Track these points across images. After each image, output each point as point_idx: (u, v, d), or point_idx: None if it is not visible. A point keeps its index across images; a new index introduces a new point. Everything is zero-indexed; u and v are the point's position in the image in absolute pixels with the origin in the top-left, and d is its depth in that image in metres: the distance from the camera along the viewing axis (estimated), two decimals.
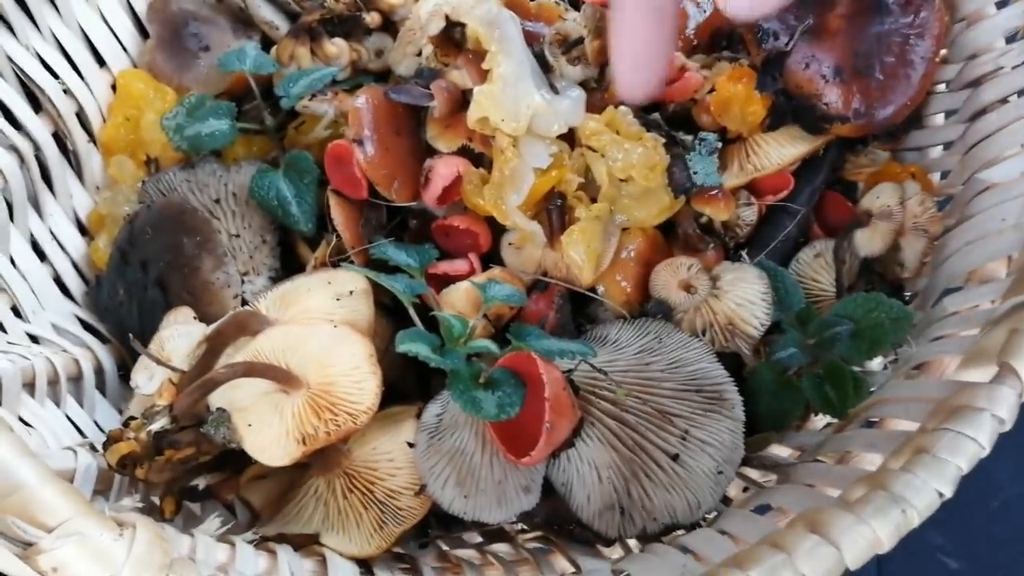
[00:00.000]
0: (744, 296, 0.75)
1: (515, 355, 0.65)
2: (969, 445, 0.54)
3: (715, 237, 0.81)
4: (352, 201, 0.78)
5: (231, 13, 0.93)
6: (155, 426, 0.58)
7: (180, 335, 0.66)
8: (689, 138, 0.81)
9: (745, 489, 0.76)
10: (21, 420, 0.68)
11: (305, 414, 0.62)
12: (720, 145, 0.80)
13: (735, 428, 0.71)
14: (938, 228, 0.80)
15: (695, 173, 0.79)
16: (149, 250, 0.75)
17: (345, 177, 0.76)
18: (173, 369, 0.62)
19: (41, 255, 0.81)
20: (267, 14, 0.90)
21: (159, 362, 0.61)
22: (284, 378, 0.62)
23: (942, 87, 0.88)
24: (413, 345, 0.62)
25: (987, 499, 1.09)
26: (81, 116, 0.86)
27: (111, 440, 0.57)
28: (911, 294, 0.84)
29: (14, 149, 0.78)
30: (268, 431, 0.61)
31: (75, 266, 0.83)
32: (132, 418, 0.61)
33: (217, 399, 0.61)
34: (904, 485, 0.53)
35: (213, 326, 0.66)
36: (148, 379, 0.63)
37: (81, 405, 0.75)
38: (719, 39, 0.89)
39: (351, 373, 0.64)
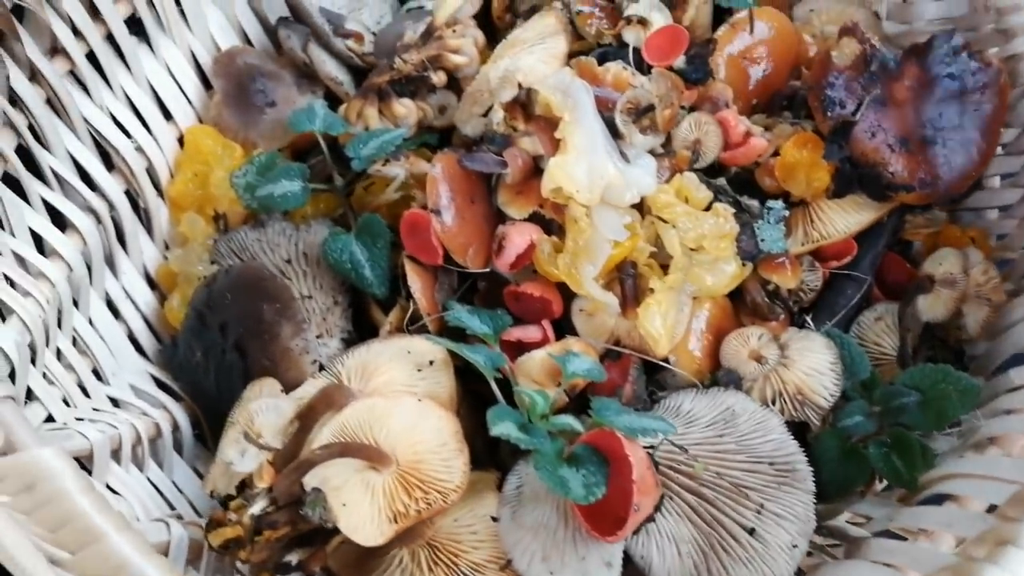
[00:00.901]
0: (813, 366, 0.77)
1: (599, 433, 0.66)
2: None
3: (781, 302, 0.82)
4: (426, 266, 0.79)
5: (295, 67, 0.94)
6: (256, 509, 0.59)
7: (269, 409, 0.67)
8: (755, 203, 0.82)
9: (809, 553, 0.77)
10: (109, 487, 0.69)
11: (396, 492, 0.63)
12: (788, 213, 0.81)
13: (807, 500, 0.72)
14: (1000, 297, 0.81)
15: (762, 240, 0.80)
16: (228, 314, 0.76)
17: (421, 244, 0.77)
18: (268, 449, 0.63)
19: (115, 313, 0.82)
20: (332, 70, 0.91)
21: (259, 445, 0.62)
22: (376, 457, 0.63)
23: (999, 150, 0.89)
24: (504, 427, 0.63)
25: None
26: (151, 172, 0.87)
27: (214, 523, 0.59)
28: (971, 357, 0.85)
29: (91, 210, 0.79)
30: (361, 510, 0.62)
31: (147, 323, 0.84)
32: (229, 496, 0.62)
33: (311, 478, 0.62)
34: None
35: (303, 401, 0.67)
36: (240, 455, 0.64)
37: (160, 467, 0.76)
38: (779, 100, 0.90)
39: (439, 450, 0.65)
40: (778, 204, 0.81)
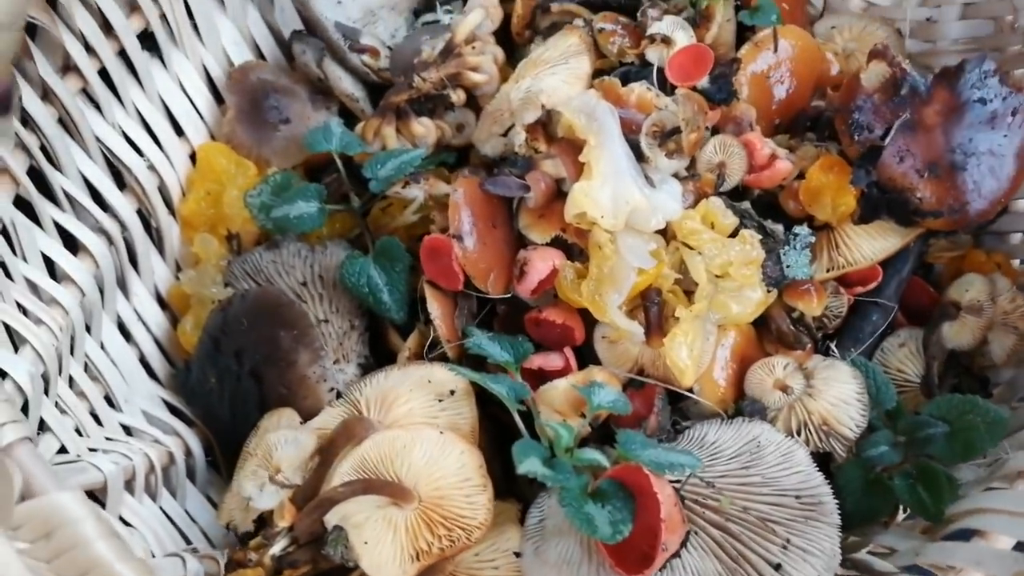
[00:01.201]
0: (839, 396, 0.75)
1: (625, 468, 0.65)
2: None
3: (805, 329, 0.81)
4: (447, 292, 0.77)
5: (309, 83, 0.93)
6: (277, 549, 0.58)
7: (289, 442, 0.65)
8: (779, 228, 0.80)
9: None
10: (123, 520, 0.67)
11: (419, 529, 0.62)
12: (814, 240, 0.79)
13: (833, 534, 0.70)
14: None
15: (788, 267, 0.79)
16: (244, 341, 0.75)
17: (441, 269, 0.75)
18: (290, 487, 0.62)
19: (126, 335, 0.80)
20: (348, 87, 0.89)
21: (281, 485, 0.61)
22: (399, 493, 0.62)
23: None
24: (530, 464, 0.62)
25: None
26: (162, 190, 0.85)
27: (234, 564, 0.57)
28: (995, 384, 0.84)
29: (103, 231, 0.77)
30: (384, 548, 0.61)
31: (159, 345, 0.83)
32: (248, 534, 0.60)
33: (332, 515, 0.61)
34: None
35: (323, 434, 0.66)
36: (259, 489, 0.63)
37: (174, 496, 0.75)
38: (803, 120, 0.88)
39: (461, 486, 0.64)
40: (804, 230, 0.80)
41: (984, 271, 0.84)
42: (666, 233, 0.77)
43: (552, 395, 0.73)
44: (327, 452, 0.64)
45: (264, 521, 0.64)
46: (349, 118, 0.92)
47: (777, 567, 0.68)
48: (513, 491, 0.76)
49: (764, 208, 0.83)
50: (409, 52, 0.91)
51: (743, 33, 0.91)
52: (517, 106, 0.80)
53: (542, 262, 0.75)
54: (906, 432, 0.76)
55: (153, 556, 0.65)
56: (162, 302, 0.85)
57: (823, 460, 0.77)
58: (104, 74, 0.80)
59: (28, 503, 0.48)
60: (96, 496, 0.66)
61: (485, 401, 0.75)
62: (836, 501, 0.72)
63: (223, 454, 0.79)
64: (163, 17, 0.85)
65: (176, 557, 0.64)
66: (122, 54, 0.82)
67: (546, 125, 0.81)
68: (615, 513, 0.63)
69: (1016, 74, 0.88)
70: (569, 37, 0.85)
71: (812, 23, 1.02)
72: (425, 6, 1.02)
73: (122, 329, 0.80)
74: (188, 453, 0.77)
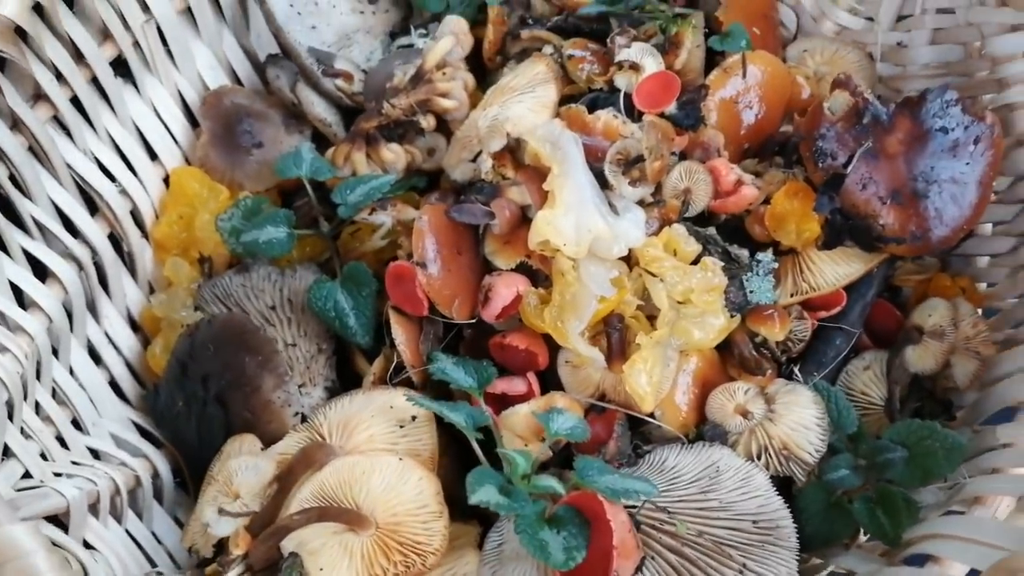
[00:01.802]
0: (799, 421, 0.76)
1: (580, 495, 0.65)
2: None
3: (769, 353, 0.82)
4: (412, 317, 0.78)
5: (283, 108, 0.94)
6: (231, 575, 0.59)
7: (248, 468, 0.66)
8: (744, 253, 0.81)
9: None
10: (86, 544, 0.68)
11: (375, 555, 0.63)
12: (777, 265, 0.80)
13: (789, 559, 0.71)
14: (990, 351, 0.81)
15: (751, 292, 0.80)
16: (210, 366, 0.76)
17: (406, 295, 0.76)
18: (245, 515, 0.63)
19: (96, 359, 0.81)
20: (321, 112, 0.90)
21: (234, 514, 0.62)
22: (354, 520, 0.63)
23: (992, 197, 0.88)
24: (484, 492, 0.62)
25: None
26: (135, 214, 0.86)
27: None
28: (959, 407, 0.85)
29: (73, 257, 0.78)
30: (339, 574, 0.61)
31: (129, 368, 0.84)
32: (206, 561, 0.61)
33: (288, 542, 0.62)
34: None
35: (282, 459, 0.67)
36: (217, 517, 0.64)
37: (140, 517, 0.75)
38: (771, 145, 0.89)
39: (418, 512, 0.65)
40: (767, 256, 0.81)
41: (948, 295, 0.85)
42: (630, 260, 0.78)
43: (514, 420, 0.73)
44: (285, 479, 0.65)
45: (224, 547, 0.65)
46: (323, 142, 0.93)
47: None
48: (477, 513, 0.77)
49: (731, 233, 0.84)
50: (381, 77, 0.92)
51: (713, 59, 0.92)
52: (484, 133, 0.80)
53: (506, 288, 0.76)
54: (867, 456, 0.77)
55: None
56: (135, 325, 0.86)
57: (785, 484, 0.77)
58: (76, 102, 0.81)
59: None
60: (60, 521, 0.67)
61: (452, 425, 0.76)
62: (796, 524, 0.73)
63: (191, 476, 0.80)
64: (136, 44, 0.86)
65: None
66: (94, 81, 0.83)
67: (514, 152, 0.82)
68: (570, 539, 0.63)
69: (983, 99, 0.90)
70: (536, 65, 0.86)
71: (784, 47, 1.03)
72: (401, 29, 1.03)
73: (92, 352, 0.81)
74: (155, 475, 0.78)
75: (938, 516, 0.74)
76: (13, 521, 0.50)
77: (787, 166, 0.87)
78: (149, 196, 0.87)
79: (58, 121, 0.80)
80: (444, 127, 0.91)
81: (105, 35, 0.83)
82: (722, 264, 0.78)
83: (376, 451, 0.68)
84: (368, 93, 0.92)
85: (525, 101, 0.82)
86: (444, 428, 0.76)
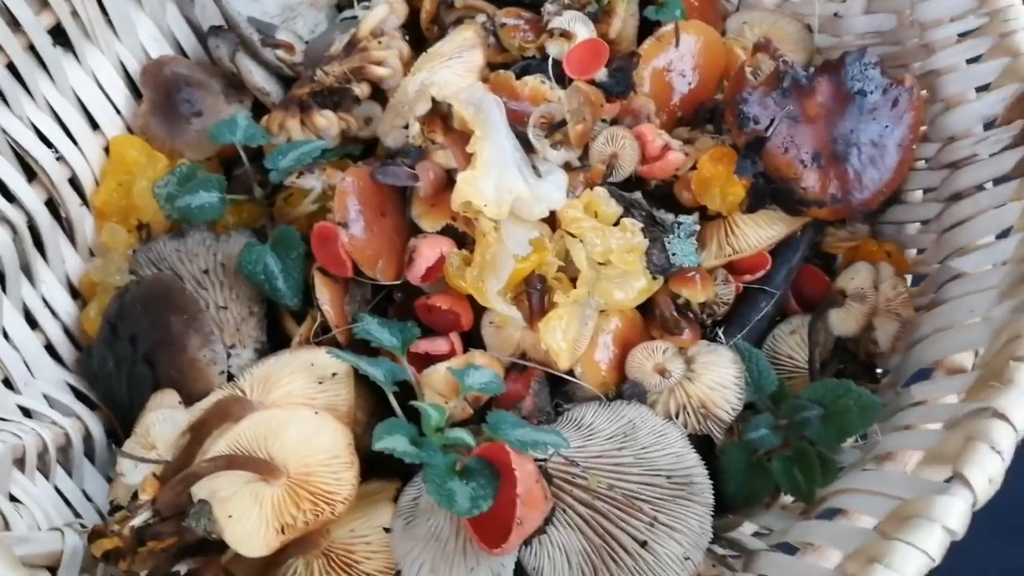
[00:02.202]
0: (717, 380, 0.77)
1: (489, 446, 0.67)
2: (919, 557, 0.56)
3: (692, 315, 0.83)
4: (337, 278, 0.79)
5: (223, 77, 0.95)
6: (137, 521, 0.60)
7: (164, 420, 0.68)
8: (669, 217, 0.82)
9: (713, 565, 0.78)
10: (11, 497, 0.70)
11: (284, 504, 0.64)
12: (698, 228, 0.81)
13: (703, 513, 0.72)
14: (910, 312, 0.82)
15: (673, 255, 0.81)
16: (138, 326, 0.77)
17: (330, 256, 0.78)
18: (156, 462, 0.64)
19: (32, 323, 0.83)
20: (259, 80, 0.92)
21: (141, 459, 0.63)
22: (264, 469, 0.64)
23: (922, 163, 0.89)
24: (391, 440, 0.64)
25: None
26: (74, 181, 0.88)
27: (95, 535, 0.60)
28: (884, 372, 0.86)
29: (7, 221, 0.80)
30: (248, 521, 0.63)
31: (67, 332, 0.85)
32: (118, 507, 0.63)
33: (199, 489, 0.63)
34: None
35: (198, 414, 0.68)
36: (133, 467, 0.65)
37: (70, 475, 0.77)
38: (703, 113, 0.91)
39: (329, 463, 0.66)
40: (689, 219, 0.82)
41: (874, 260, 0.86)
42: (554, 223, 0.79)
43: (434, 378, 0.75)
44: (198, 430, 0.66)
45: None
46: (263, 113, 0.94)
47: (643, 544, 0.70)
48: (404, 475, 0.78)
49: (661, 199, 0.85)
50: (321, 47, 0.93)
51: (649, 29, 0.93)
52: (411, 98, 0.82)
53: (430, 249, 0.78)
54: (786, 415, 0.78)
55: (38, 530, 0.68)
56: (75, 292, 0.88)
57: (708, 443, 0.79)
58: (12, 68, 0.82)
59: None
60: None
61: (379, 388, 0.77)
62: (717, 484, 0.74)
63: (125, 437, 0.81)
64: (74, 13, 0.87)
65: (56, 531, 0.66)
66: (31, 49, 0.84)
67: (445, 117, 0.83)
68: (478, 490, 0.65)
69: (913, 67, 0.90)
70: (465, 31, 0.87)
71: (725, 19, 1.04)
72: (347, 2, 1.04)
73: (28, 316, 0.82)
74: (88, 435, 0.80)
75: (852, 473, 0.75)
76: None
77: (717, 133, 0.88)
78: (89, 164, 0.89)
79: None
80: (381, 97, 0.92)
81: (43, 3, 0.85)
82: (643, 227, 0.79)
83: (294, 405, 0.70)
84: (309, 62, 0.93)
85: (452, 66, 0.83)
86: (372, 392, 0.77)
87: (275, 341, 0.84)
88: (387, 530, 0.69)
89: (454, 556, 0.67)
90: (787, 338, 0.86)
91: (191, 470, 0.62)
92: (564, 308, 0.74)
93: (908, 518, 0.59)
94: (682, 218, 0.82)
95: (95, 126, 0.91)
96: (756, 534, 0.80)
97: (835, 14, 1.00)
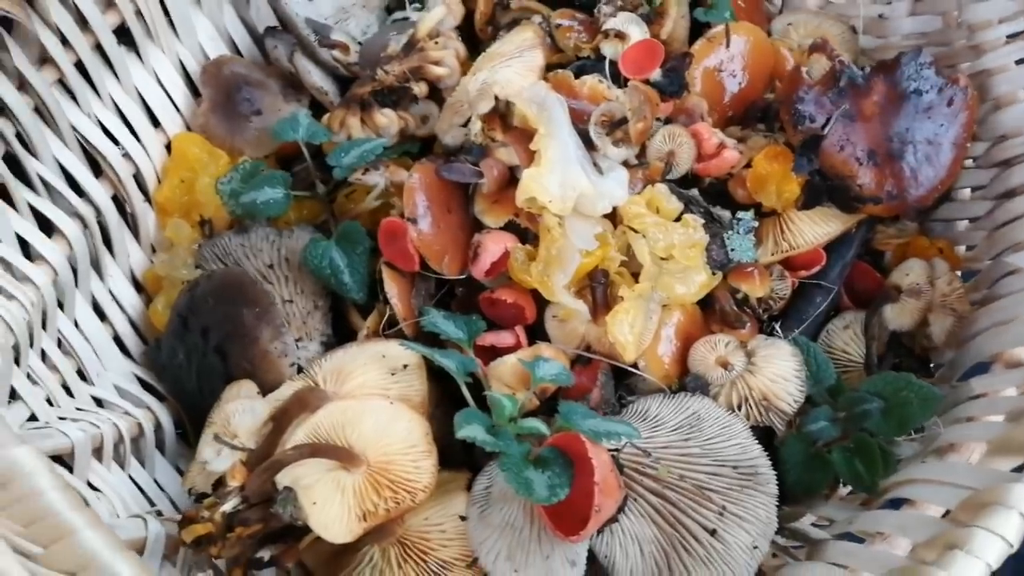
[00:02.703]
0: (778, 373, 0.79)
1: (564, 436, 0.68)
2: (998, 544, 0.58)
3: (750, 310, 0.84)
4: (404, 272, 0.81)
5: (281, 77, 0.96)
6: (227, 506, 0.61)
7: (245, 411, 0.69)
8: (727, 214, 0.84)
9: (774, 555, 0.79)
10: (91, 485, 0.71)
11: (366, 492, 0.65)
12: (757, 224, 0.83)
13: (769, 503, 0.74)
14: (966, 307, 0.83)
15: (732, 250, 0.82)
16: (210, 318, 0.79)
17: (398, 251, 0.79)
18: (241, 449, 0.65)
19: (101, 315, 0.84)
20: (317, 80, 0.93)
21: (230, 445, 0.64)
22: (346, 457, 0.65)
23: (970, 162, 0.91)
24: (471, 429, 0.65)
25: None
26: (138, 178, 0.89)
27: (187, 520, 0.61)
28: (937, 365, 0.87)
29: (78, 216, 0.81)
30: (331, 509, 0.64)
31: (133, 325, 0.87)
32: (202, 495, 0.64)
33: (283, 477, 0.64)
34: None
35: (278, 403, 0.69)
36: (216, 455, 0.66)
37: (143, 465, 0.78)
38: (754, 112, 0.92)
39: (408, 452, 0.67)
40: (747, 215, 0.83)
41: (926, 256, 0.88)
42: (615, 219, 0.81)
43: (502, 370, 0.76)
44: (280, 419, 0.67)
45: (221, 486, 0.67)
46: (320, 111, 0.95)
47: (712, 532, 0.71)
48: (470, 465, 0.79)
49: (715, 196, 0.87)
50: (376, 47, 0.94)
51: (698, 30, 0.95)
52: (473, 97, 0.83)
53: (495, 244, 0.79)
54: (845, 408, 0.79)
55: (118, 517, 0.69)
56: (138, 285, 0.89)
57: (767, 435, 0.80)
58: (80, 67, 0.84)
59: None
60: (65, 461, 0.69)
61: (446, 381, 0.78)
62: (775, 473, 0.75)
63: (193, 427, 0.83)
64: (138, 13, 0.89)
65: (138, 518, 0.67)
66: (98, 48, 0.86)
67: (504, 116, 0.84)
68: (553, 478, 0.66)
69: (962, 67, 0.92)
70: (524, 31, 0.88)
71: (769, 20, 1.05)
72: (397, 4, 1.06)
73: (97, 309, 0.84)
74: (158, 426, 0.81)
75: (914, 465, 0.76)
76: (16, 444, 0.53)
77: (769, 131, 0.89)
78: (151, 161, 0.90)
79: (63, 85, 0.83)
80: (437, 96, 0.93)
81: (108, 3, 0.86)
82: (703, 223, 0.80)
83: (368, 396, 0.71)
84: (363, 62, 0.94)
85: (513, 66, 0.85)
86: (436, 384, 0.78)
87: (340, 335, 0.85)
88: (463, 518, 0.70)
89: (529, 544, 0.69)
90: (841, 333, 0.88)
91: (277, 457, 0.63)
92: (630, 302, 0.76)
93: (984, 506, 0.60)
94: (740, 215, 0.83)
95: (156, 124, 0.92)
96: (814, 525, 0.82)
97: (880, 16, 1.01)
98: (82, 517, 0.51)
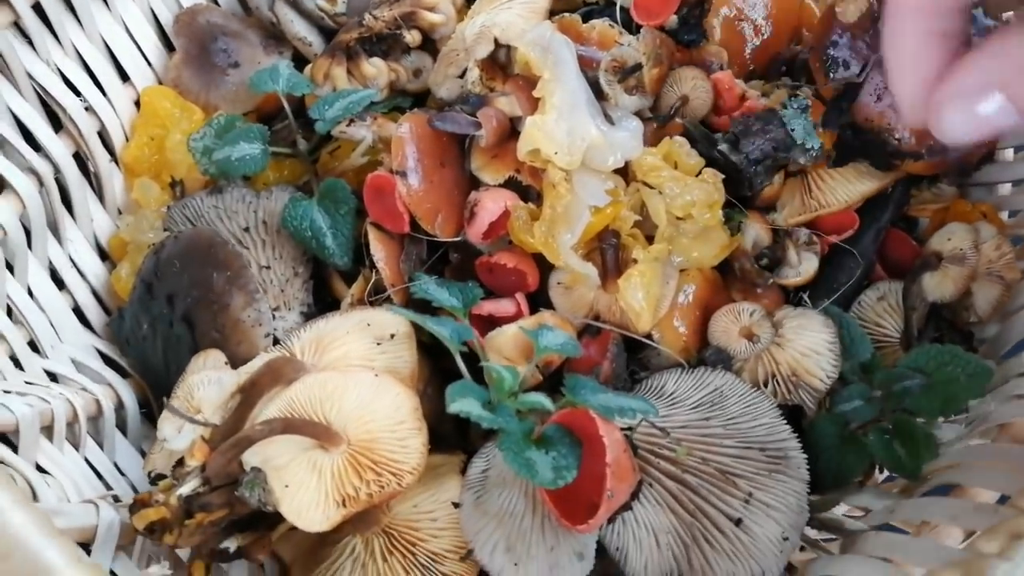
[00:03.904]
0: (809, 346, 0.71)
1: (571, 412, 0.60)
2: None
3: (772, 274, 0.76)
4: (392, 234, 0.73)
5: (262, 28, 0.89)
6: (186, 489, 0.53)
7: (211, 382, 0.61)
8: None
9: (802, 548, 0.72)
10: (39, 468, 0.63)
11: (346, 474, 0.57)
12: (809, 104, 0.75)
13: (800, 490, 0.66)
14: (1015, 274, 0.75)
15: (793, 130, 0.74)
16: (176, 284, 0.71)
17: (386, 210, 0.71)
18: (204, 424, 0.58)
19: (60, 283, 0.76)
20: (300, 30, 0.85)
21: (189, 419, 0.57)
22: (323, 435, 0.57)
23: None
24: (465, 403, 0.57)
25: None
26: (103, 135, 0.81)
27: (138, 505, 0.53)
28: (980, 340, 0.79)
29: (32, 171, 0.73)
30: (306, 492, 0.56)
31: (95, 295, 0.79)
32: (160, 476, 0.56)
33: (251, 456, 0.57)
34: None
35: (247, 375, 0.61)
36: (176, 431, 0.59)
37: (101, 446, 0.71)
38: (778, 64, 0.84)
39: (395, 429, 0.60)
40: (799, 95, 0.75)
41: (969, 220, 0.79)
42: (627, 175, 0.73)
43: (501, 341, 0.68)
44: (250, 392, 0.59)
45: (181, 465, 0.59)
46: (303, 64, 0.87)
47: (738, 522, 0.63)
48: (466, 448, 0.72)
49: None
50: None
51: None
52: (471, 42, 0.75)
53: (493, 203, 0.71)
54: (882, 386, 0.71)
55: (68, 502, 0.61)
56: (103, 253, 0.81)
57: (794, 415, 0.72)
58: (39, 9, 0.76)
59: None
60: (9, 440, 0.62)
61: (439, 355, 0.71)
62: (806, 457, 0.68)
63: (158, 406, 0.75)
64: None
65: (90, 503, 0.60)
66: None
67: (504, 64, 0.77)
68: (559, 459, 0.58)
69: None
70: None
71: None
72: None
73: (55, 276, 0.76)
74: (120, 404, 0.73)
75: (961, 447, 0.68)
76: None
77: (796, 85, 0.81)
78: (119, 118, 0.82)
79: (18, 28, 0.75)
80: (431, 47, 0.86)
81: None
82: (733, 156, 0.72)
83: (351, 367, 0.63)
84: (352, 12, 0.87)
85: (515, 7, 0.77)
86: (426, 360, 0.71)
87: (321, 304, 0.77)
88: (456, 505, 0.62)
89: (531, 534, 0.61)
90: (875, 305, 0.80)
91: (244, 434, 0.55)
92: (644, 265, 0.68)
93: None
94: (794, 96, 0.75)
95: (125, 77, 0.84)
96: (848, 516, 0.74)
97: None
98: (8, 496, 0.44)
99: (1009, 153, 0.85)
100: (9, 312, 0.70)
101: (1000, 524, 0.53)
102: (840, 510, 0.74)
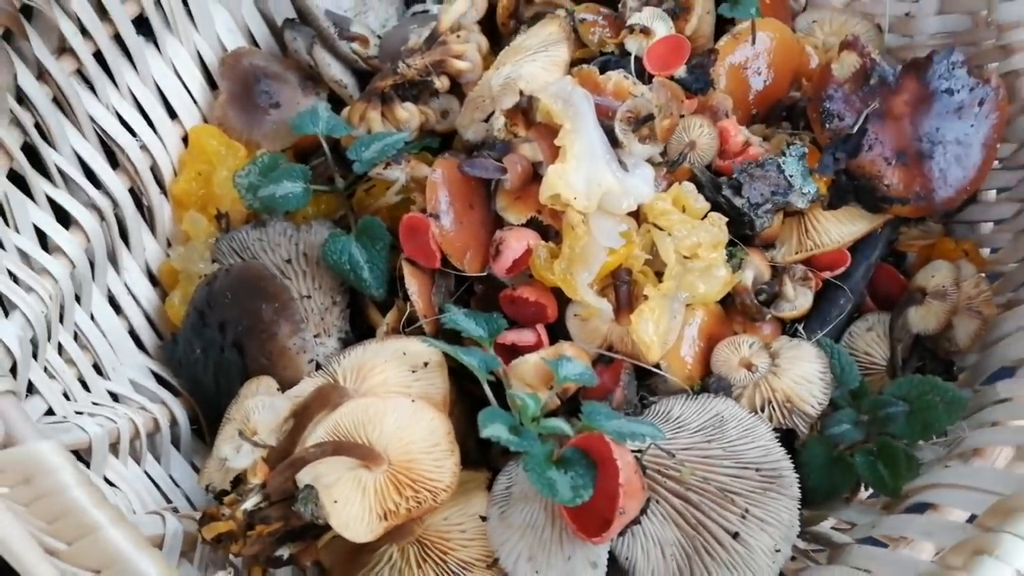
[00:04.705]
0: (802, 374, 0.78)
1: (588, 436, 0.67)
2: None
3: (770, 309, 0.83)
4: (424, 269, 0.80)
5: (300, 70, 0.95)
6: (249, 504, 0.60)
7: (265, 407, 0.68)
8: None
9: (793, 558, 0.78)
10: (107, 481, 0.70)
11: (387, 491, 0.64)
12: (807, 151, 0.81)
13: (792, 506, 0.73)
14: (992, 310, 0.82)
15: (791, 176, 0.80)
16: (227, 313, 0.78)
17: (419, 247, 0.78)
18: (263, 446, 0.65)
19: (117, 309, 0.83)
20: (336, 73, 0.92)
21: (252, 442, 0.64)
22: (368, 456, 0.64)
23: (996, 164, 0.90)
24: (495, 429, 0.64)
25: None
26: (155, 170, 0.88)
27: (207, 517, 0.60)
28: (959, 369, 0.86)
29: (95, 207, 0.80)
30: (352, 507, 0.63)
31: (148, 319, 0.86)
32: (223, 492, 0.63)
33: (304, 475, 0.63)
34: None
35: (298, 399, 0.68)
36: (235, 451, 0.66)
37: (158, 460, 0.77)
38: (778, 110, 0.91)
39: (430, 451, 0.67)
40: (798, 143, 0.82)
41: (952, 258, 0.86)
42: (639, 217, 0.80)
43: (523, 369, 0.75)
44: (301, 416, 0.66)
45: (240, 482, 0.66)
46: (339, 104, 0.94)
47: (735, 535, 0.70)
48: (488, 464, 0.79)
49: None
50: (397, 40, 0.94)
51: (723, 26, 0.94)
52: (497, 91, 0.82)
53: (517, 242, 0.78)
54: (869, 411, 0.78)
55: (135, 513, 0.68)
56: (153, 279, 0.88)
57: (788, 438, 0.79)
58: (99, 57, 0.83)
59: (9, 451, 0.51)
60: (81, 456, 0.69)
61: (463, 379, 0.78)
62: (798, 476, 0.75)
63: (208, 423, 0.82)
64: (157, 3, 0.88)
65: (156, 514, 0.67)
66: (117, 38, 0.85)
67: (526, 111, 0.83)
68: (577, 479, 0.65)
69: (990, 67, 0.91)
70: (549, 26, 0.87)
71: (794, 17, 1.04)
72: None
73: (113, 302, 0.83)
74: (173, 421, 0.80)
75: (938, 469, 0.75)
76: (39, 439, 0.52)
77: (794, 130, 0.88)
78: (168, 153, 0.89)
79: (82, 75, 0.82)
80: (458, 91, 0.93)
81: None
82: (736, 200, 0.79)
83: (390, 393, 0.70)
84: (384, 56, 0.93)
85: (538, 60, 0.84)
86: (455, 384, 0.77)
87: (358, 331, 0.84)
88: (483, 518, 0.69)
89: (550, 545, 0.68)
90: (863, 335, 0.87)
91: (299, 455, 0.62)
92: (654, 301, 0.75)
93: (1012, 510, 0.59)
94: (791, 143, 0.82)
95: (174, 116, 0.91)
96: (835, 528, 0.81)
97: (906, 14, 1.00)
98: (106, 514, 0.51)
99: (992, 194, 0.91)
100: (76, 337, 0.77)
101: (966, 541, 0.60)
102: (828, 524, 0.81)
